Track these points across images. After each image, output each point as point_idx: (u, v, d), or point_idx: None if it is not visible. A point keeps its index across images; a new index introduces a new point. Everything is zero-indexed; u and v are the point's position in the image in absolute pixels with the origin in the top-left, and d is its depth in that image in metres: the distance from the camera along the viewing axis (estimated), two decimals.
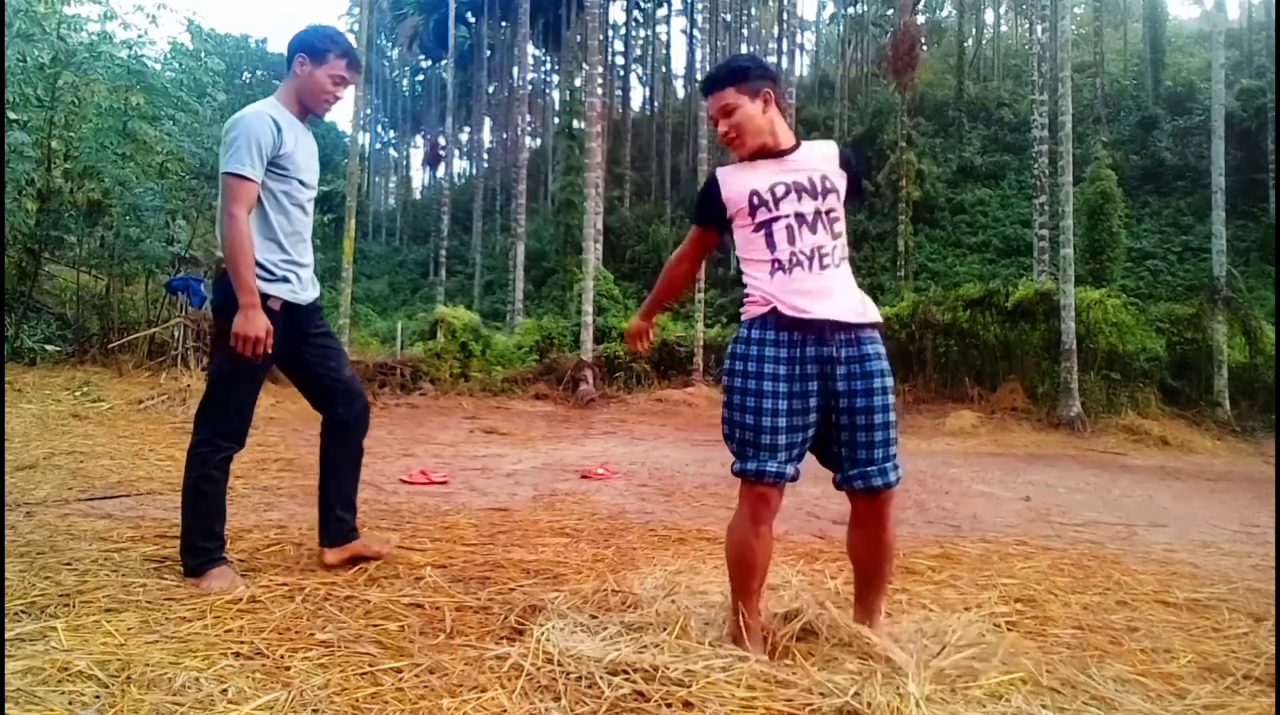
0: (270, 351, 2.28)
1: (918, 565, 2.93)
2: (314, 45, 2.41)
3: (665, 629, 1.93)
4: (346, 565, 2.48)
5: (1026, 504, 4.98)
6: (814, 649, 1.87)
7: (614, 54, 39.61)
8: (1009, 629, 2.14)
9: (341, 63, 2.43)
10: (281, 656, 1.71)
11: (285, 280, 2.39)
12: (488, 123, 47.62)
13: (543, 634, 1.85)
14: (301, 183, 2.43)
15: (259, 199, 2.33)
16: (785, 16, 30.15)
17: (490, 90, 44.30)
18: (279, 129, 2.34)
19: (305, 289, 2.47)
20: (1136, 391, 11.80)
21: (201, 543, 2.30)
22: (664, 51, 46.03)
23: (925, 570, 2.86)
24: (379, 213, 46.68)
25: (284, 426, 8.20)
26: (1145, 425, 10.88)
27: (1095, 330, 12.05)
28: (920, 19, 27.72)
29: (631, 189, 34.21)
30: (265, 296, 2.31)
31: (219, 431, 2.35)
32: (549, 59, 45.78)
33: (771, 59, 38.47)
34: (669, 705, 1.55)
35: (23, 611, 1.92)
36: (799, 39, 37.49)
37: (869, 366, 1.89)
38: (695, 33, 38.24)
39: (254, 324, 2.23)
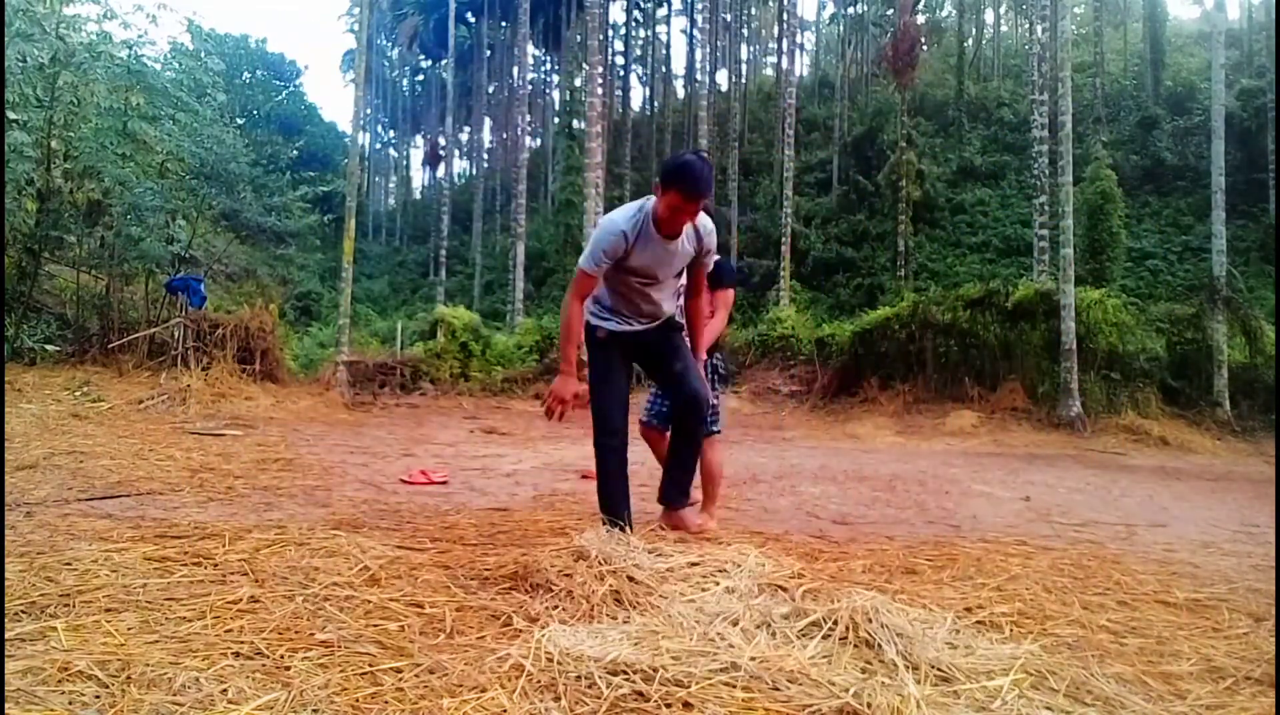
0: None
1: (918, 565, 2.93)
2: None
3: (664, 629, 1.92)
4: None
5: (1026, 504, 4.98)
6: (818, 647, 1.86)
7: (614, 54, 39.57)
8: (1009, 629, 2.14)
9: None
10: (281, 656, 1.70)
11: None
12: (488, 123, 47.65)
13: (543, 634, 1.85)
14: None
15: None
16: (785, 16, 30.13)
17: (490, 90, 44.31)
18: None
19: None
20: (1136, 391, 11.79)
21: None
22: (664, 51, 46.05)
23: (925, 570, 2.86)
24: (379, 213, 46.65)
25: (284, 426, 8.20)
26: (1145, 425, 10.88)
27: (1095, 330, 12.04)
28: (920, 19, 27.65)
29: (631, 189, 34.15)
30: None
31: None
32: (549, 59, 45.81)
33: (772, 59, 38.41)
34: (668, 705, 1.55)
35: (23, 611, 1.91)
36: (799, 39, 37.48)
37: None
38: (695, 33, 38.22)
39: None
